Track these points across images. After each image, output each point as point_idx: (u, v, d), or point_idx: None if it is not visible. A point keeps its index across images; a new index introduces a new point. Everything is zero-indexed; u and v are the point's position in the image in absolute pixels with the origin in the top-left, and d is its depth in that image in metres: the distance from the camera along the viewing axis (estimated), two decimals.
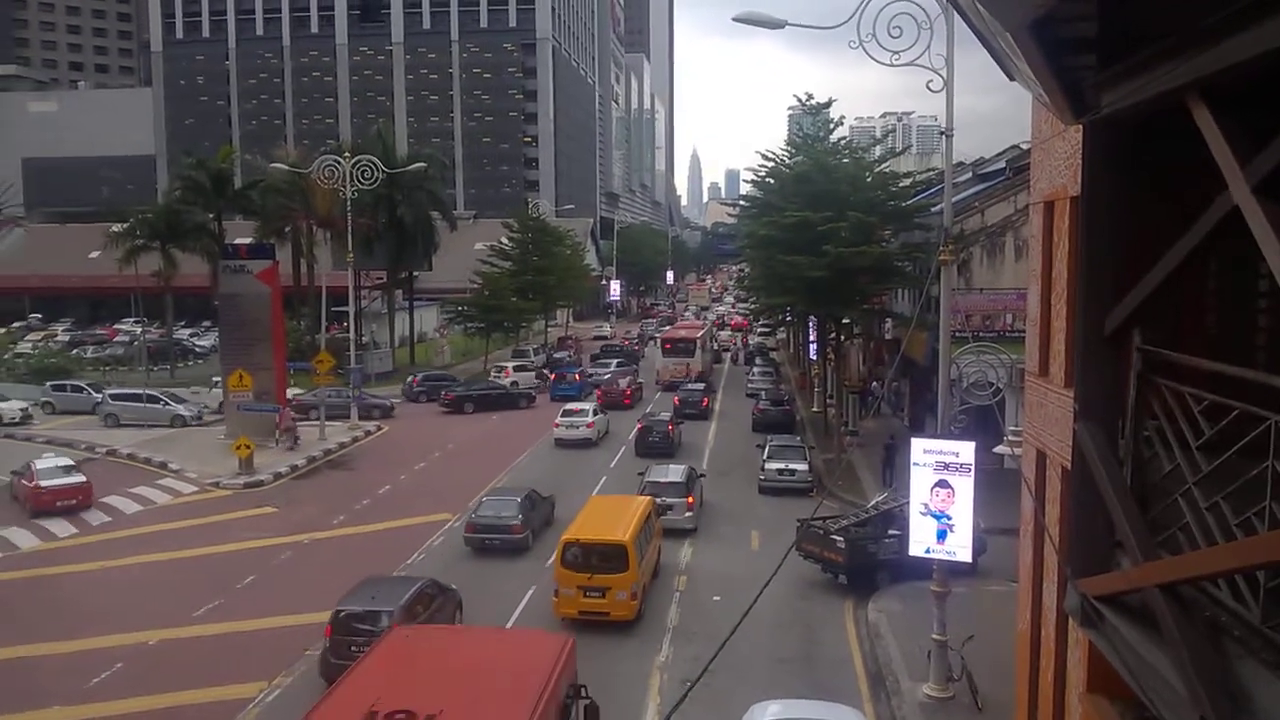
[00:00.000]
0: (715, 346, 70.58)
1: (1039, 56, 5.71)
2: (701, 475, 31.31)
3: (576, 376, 54.56)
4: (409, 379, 55.49)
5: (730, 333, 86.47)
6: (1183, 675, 5.00)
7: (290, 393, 44.56)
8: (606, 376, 54.74)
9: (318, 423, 41.60)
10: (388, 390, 53.59)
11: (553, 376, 55.53)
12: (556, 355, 66.85)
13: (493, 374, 57.10)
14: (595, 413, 42.08)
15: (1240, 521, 4.98)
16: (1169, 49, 4.91)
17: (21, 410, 45.15)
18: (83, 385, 49.70)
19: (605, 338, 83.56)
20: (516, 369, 56.91)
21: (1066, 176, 11.74)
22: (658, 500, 26.10)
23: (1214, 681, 4.81)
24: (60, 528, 28.70)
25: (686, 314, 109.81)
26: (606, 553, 20.72)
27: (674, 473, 29.13)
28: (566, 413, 41.48)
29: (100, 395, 46.97)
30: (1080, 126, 7.08)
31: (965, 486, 16.26)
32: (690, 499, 27.98)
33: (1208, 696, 4.75)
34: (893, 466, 32.48)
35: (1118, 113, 5.93)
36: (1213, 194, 5.02)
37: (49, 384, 50.10)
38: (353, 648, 16.32)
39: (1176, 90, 4.89)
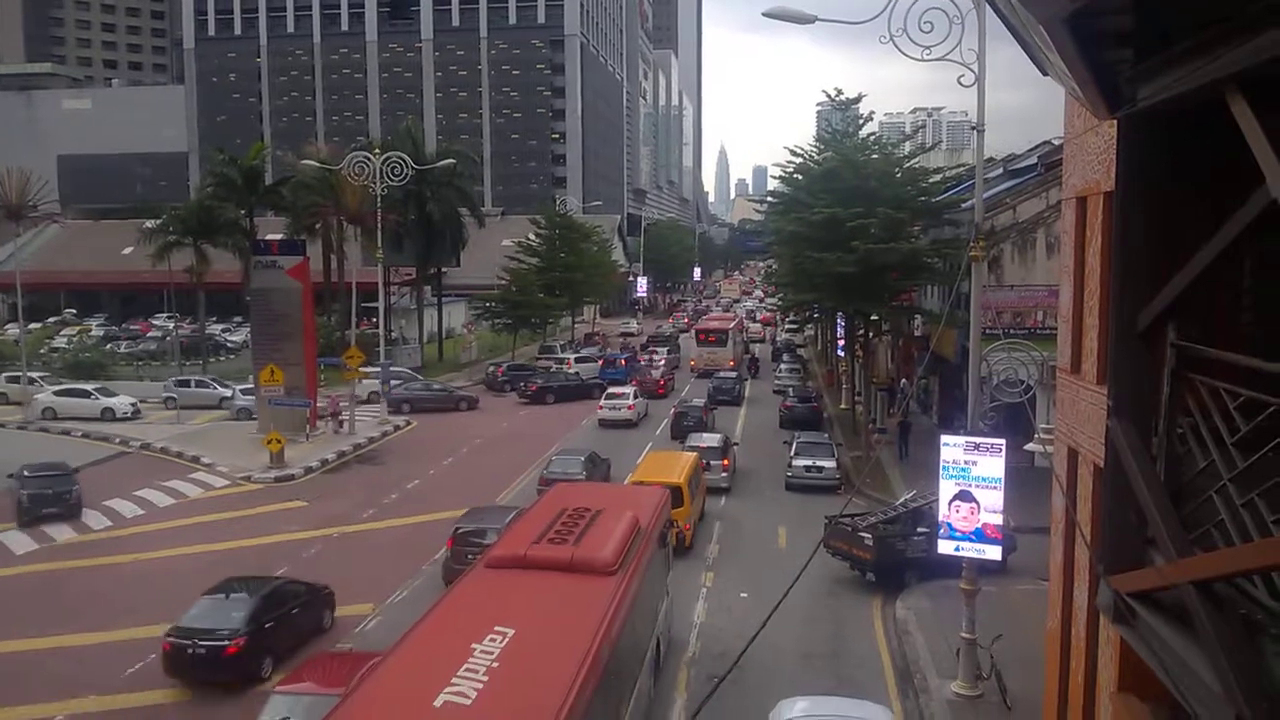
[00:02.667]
0: (745, 338, 74.19)
1: (1073, 50, 5.66)
2: (735, 444, 35.33)
3: (623, 362, 57.82)
4: (491, 369, 57.63)
5: (761, 325, 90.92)
6: (1218, 673, 4.96)
7: (379, 385, 46.89)
8: (660, 362, 58.08)
9: (346, 417, 41.94)
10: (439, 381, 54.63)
11: (601, 362, 58.68)
12: (584, 351, 67.05)
13: (553, 365, 59.38)
14: (635, 396, 45.79)
15: (1276, 518, 4.93)
16: (1207, 41, 4.86)
17: (132, 405, 45.33)
18: (208, 380, 49.52)
19: (631, 334, 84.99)
20: (578, 360, 59.51)
21: (1100, 172, 11.64)
22: None
23: (1250, 679, 4.77)
24: (95, 520, 29.10)
25: (716, 307, 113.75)
26: None
27: (712, 439, 33.59)
28: (610, 396, 45.25)
29: (231, 390, 47.15)
30: (1114, 121, 7.02)
31: (991, 499, 16.22)
32: (726, 461, 32.21)
33: (1243, 694, 4.71)
34: (908, 443, 35.34)
35: (1153, 107, 5.87)
36: (1250, 189, 4.98)
37: (172, 380, 49.80)
38: (469, 555, 20.83)
39: (1214, 84, 4.83)
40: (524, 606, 13.39)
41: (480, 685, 11.02)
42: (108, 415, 44.32)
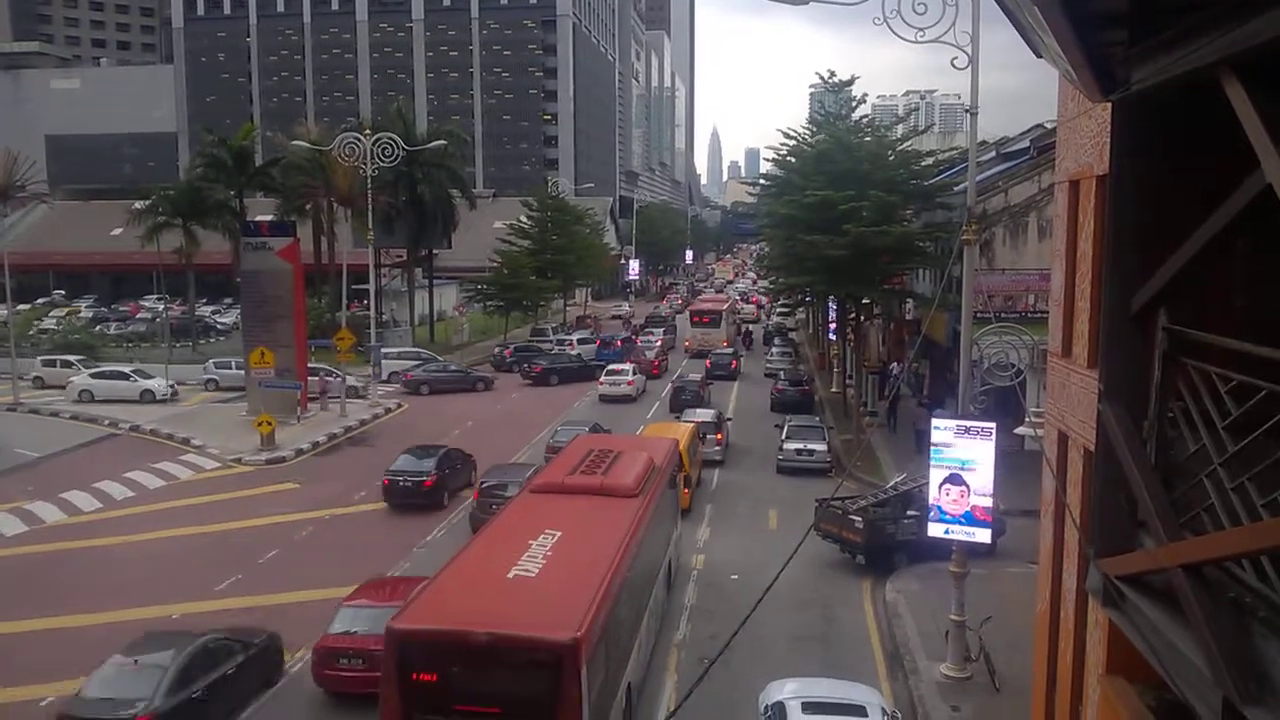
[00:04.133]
0: (739, 319, 76.01)
1: (1067, 32, 5.62)
2: (729, 419, 36.96)
3: (619, 343, 58.97)
4: (499, 350, 58.32)
5: (753, 308, 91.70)
6: (1206, 656, 4.97)
7: (405, 365, 49.63)
8: (656, 342, 59.59)
9: (336, 399, 41.87)
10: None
11: (597, 343, 59.81)
12: (583, 334, 67.14)
13: (554, 346, 60.18)
14: (634, 373, 47.79)
15: (1266, 502, 4.94)
16: (1203, 23, 4.83)
17: (170, 387, 44.92)
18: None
19: (623, 317, 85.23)
20: (580, 341, 60.90)
21: (1093, 155, 11.61)
22: None
23: (1238, 662, 4.78)
24: (84, 501, 29.05)
25: (709, 288, 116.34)
26: None
27: (706, 414, 35.27)
28: (610, 372, 47.23)
29: None
30: (1108, 105, 6.99)
31: (980, 481, 16.27)
32: (719, 435, 33.79)
33: (1231, 677, 4.72)
34: (895, 416, 37.39)
35: (1148, 90, 5.84)
36: (1244, 173, 4.96)
37: (211, 361, 49.39)
38: (493, 505, 23.08)
39: (1209, 66, 4.81)
40: (566, 517, 16.61)
41: (540, 565, 14.40)
42: (147, 397, 43.92)
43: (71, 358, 49.29)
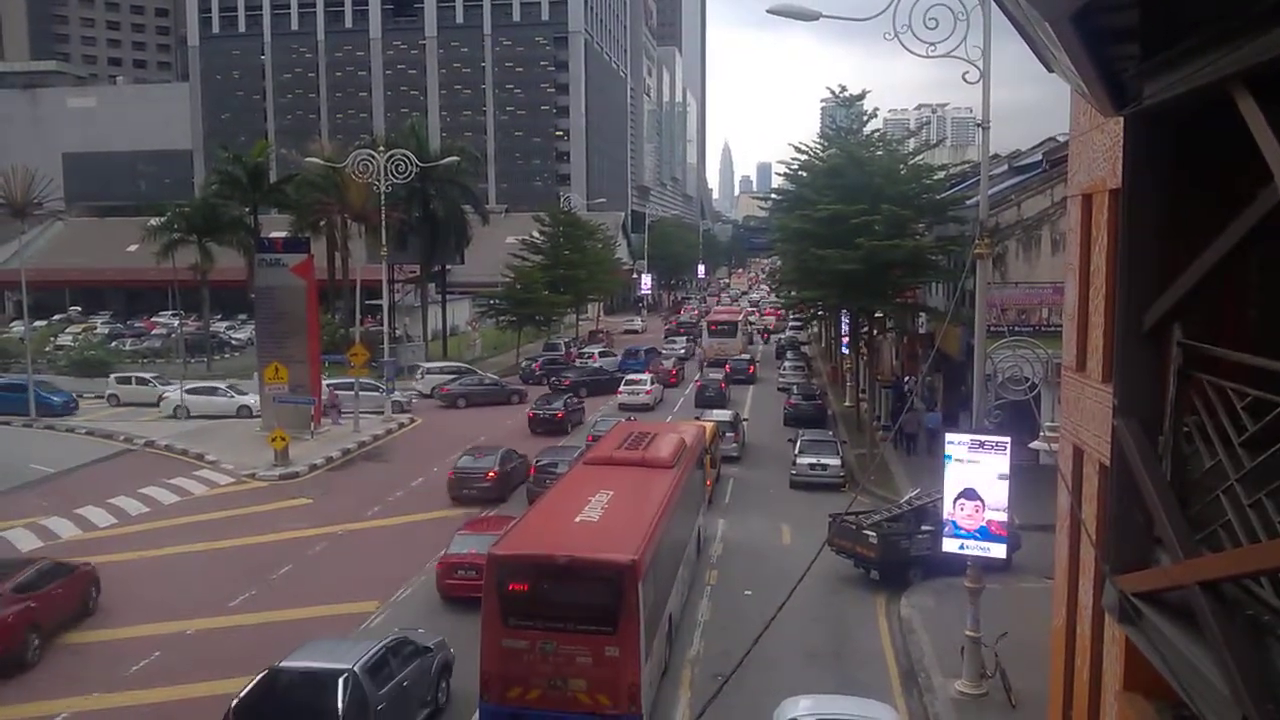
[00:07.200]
0: (751, 330, 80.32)
1: (1079, 47, 5.61)
2: (745, 419, 40.02)
3: (641, 354, 61.55)
4: (527, 363, 59.52)
5: (772, 319, 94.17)
6: (1225, 674, 4.92)
7: (445, 379, 51.09)
8: (680, 350, 65.75)
9: (350, 414, 41.98)
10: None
11: (620, 354, 62.98)
12: (588, 348, 67.42)
13: (576, 360, 61.85)
14: (652, 382, 50.44)
15: None
16: (1215, 38, 4.82)
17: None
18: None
19: (636, 331, 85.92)
20: (602, 354, 64.19)
21: (1105, 169, 11.59)
22: None
23: (1257, 681, 4.73)
24: (99, 517, 29.13)
25: (726, 298, 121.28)
26: None
27: (723, 415, 38.25)
28: (629, 382, 49.46)
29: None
30: (1120, 119, 6.97)
31: (994, 495, 16.17)
32: (736, 435, 36.57)
33: (1250, 696, 4.67)
34: (902, 410, 37.18)
35: (1160, 104, 5.82)
36: (1258, 186, 4.93)
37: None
38: (546, 481, 26.86)
39: (1221, 81, 4.79)
40: (616, 482, 20.06)
41: (600, 513, 17.90)
42: (244, 413, 44.11)
43: (147, 375, 49.73)
